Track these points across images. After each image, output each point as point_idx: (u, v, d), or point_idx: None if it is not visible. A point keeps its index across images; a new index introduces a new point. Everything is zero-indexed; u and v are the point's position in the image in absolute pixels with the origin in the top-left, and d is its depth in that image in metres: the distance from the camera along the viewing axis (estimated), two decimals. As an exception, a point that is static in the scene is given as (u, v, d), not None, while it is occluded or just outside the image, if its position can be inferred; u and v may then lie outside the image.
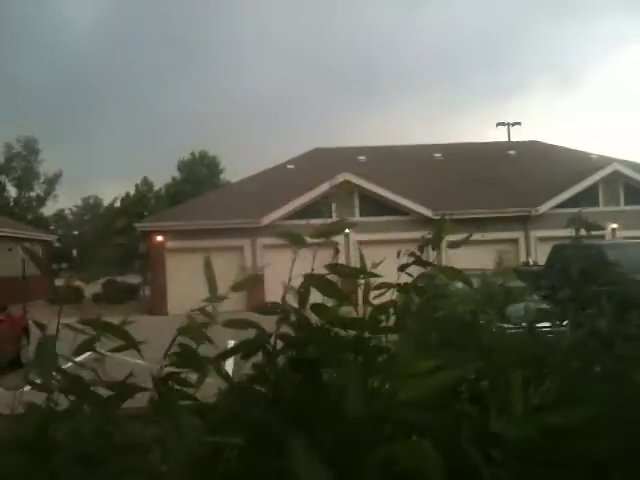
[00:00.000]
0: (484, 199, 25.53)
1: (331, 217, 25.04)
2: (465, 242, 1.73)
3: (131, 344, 1.38)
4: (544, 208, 25.52)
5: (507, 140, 37.06)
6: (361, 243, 24.93)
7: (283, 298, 1.55)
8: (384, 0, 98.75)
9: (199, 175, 63.66)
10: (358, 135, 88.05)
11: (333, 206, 25.23)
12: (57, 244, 41.80)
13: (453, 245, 1.66)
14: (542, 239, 24.18)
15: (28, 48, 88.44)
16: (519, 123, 39.42)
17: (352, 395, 0.96)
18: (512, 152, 31.73)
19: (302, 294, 1.49)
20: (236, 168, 52.01)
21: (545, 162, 28.91)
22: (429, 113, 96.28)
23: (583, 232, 10.53)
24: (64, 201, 69.40)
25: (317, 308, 1.49)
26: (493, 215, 24.68)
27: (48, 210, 64.19)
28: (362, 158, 30.05)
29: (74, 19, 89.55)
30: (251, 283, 1.69)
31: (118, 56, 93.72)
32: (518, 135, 38.44)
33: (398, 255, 1.70)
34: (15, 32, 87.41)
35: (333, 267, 1.54)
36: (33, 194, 62.25)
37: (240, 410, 1.31)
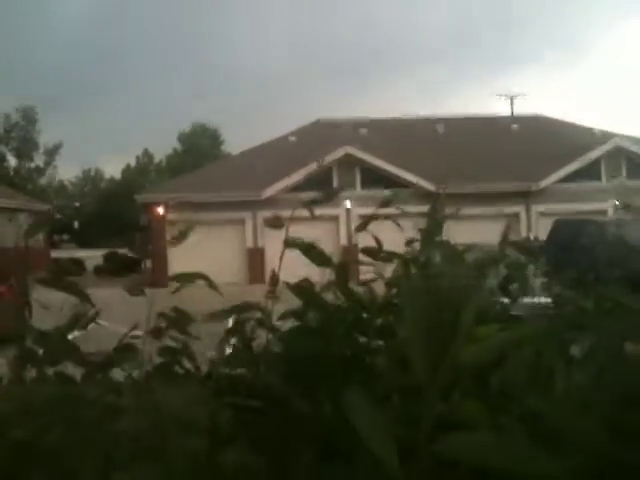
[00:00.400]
0: (486, 173, 25.45)
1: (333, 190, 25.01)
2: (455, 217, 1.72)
3: (88, 301, 1.39)
4: (546, 183, 25.44)
5: (510, 114, 36.79)
6: (362, 217, 24.98)
7: (272, 273, 1.55)
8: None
9: (200, 147, 63.43)
10: (360, 107, 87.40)
11: (334, 179, 25.15)
12: (58, 215, 41.75)
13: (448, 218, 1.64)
14: (544, 214, 24.15)
15: (29, 20, 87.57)
16: (522, 95, 39.17)
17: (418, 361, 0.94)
18: (515, 126, 31.53)
19: (339, 268, 1.46)
20: (237, 140, 51.63)
21: (548, 136, 28.74)
22: (432, 84, 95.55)
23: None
24: (64, 172, 69.17)
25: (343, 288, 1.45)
26: (494, 190, 24.62)
27: (48, 180, 64.11)
28: (364, 131, 29.87)
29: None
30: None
31: (119, 29, 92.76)
32: (521, 108, 38.06)
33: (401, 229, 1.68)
34: (17, 5, 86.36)
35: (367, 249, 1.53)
36: (33, 165, 62.12)
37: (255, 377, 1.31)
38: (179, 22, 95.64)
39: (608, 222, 14.80)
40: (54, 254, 37.31)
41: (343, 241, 24.40)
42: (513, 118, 34.22)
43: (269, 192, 24.23)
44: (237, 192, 24.42)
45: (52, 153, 62.27)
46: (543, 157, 26.27)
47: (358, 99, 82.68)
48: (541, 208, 25.08)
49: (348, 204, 24.60)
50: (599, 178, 26.30)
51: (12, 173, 59.06)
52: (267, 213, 24.45)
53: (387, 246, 1.63)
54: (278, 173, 24.57)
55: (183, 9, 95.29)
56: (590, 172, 25.96)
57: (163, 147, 68.37)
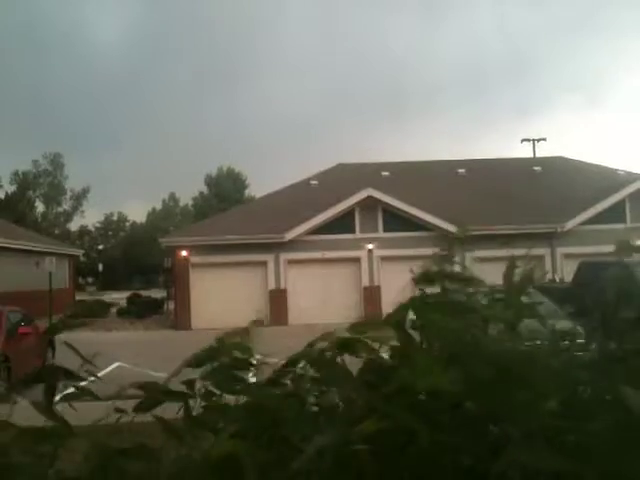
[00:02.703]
0: (509, 215, 25.32)
1: (354, 233, 25.04)
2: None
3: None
4: (570, 224, 25.22)
5: (532, 156, 36.78)
6: (383, 259, 24.94)
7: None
8: (408, 19, 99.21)
9: (225, 190, 64.19)
10: (381, 151, 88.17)
11: (356, 221, 25.21)
12: (83, 258, 42.30)
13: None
14: (568, 256, 23.89)
15: (56, 65, 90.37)
16: (544, 139, 39.11)
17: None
18: (537, 168, 31.47)
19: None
20: (260, 184, 52.24)
21: (571, 178, 28.63)
22: (453, 130, 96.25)
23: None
24: (91, 216, 70.27)
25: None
26: (518, 231, 24.44)
27: (75, 225, 65.23)
28: (385, 174, 30.04)
29: (102, 37, 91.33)
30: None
31: (145, 74, 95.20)
32: (543, 152, 38.00)
33: (412, 272, 1.66)
34: (44, 49, 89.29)
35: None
36: (60, 209, 63.32)
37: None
38: (206, 66, 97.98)
39: (634, 263, 14.57)
40: (79, 296, 37.70)
41: (365, 282, 24.37)
42: (536, 160, 34.19)
43: (291, 234, 24.34)
44: (260, 235, 24.57)
45: (79, 198, 63.50)
46: (567, 199, 26.12)
47: (380, 144, 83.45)
48: (566, 250, 24.82)
49: (370, 246, 24.62)
50: (624, 219, 26.02)
51: (40, 218, 60.23)
52: (289, 255, 24.54)
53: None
54: (300, 216, 24.70)
55: (211, 52, 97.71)
56: (615, 213, 25.70)
57: (190, 191, 69.49)
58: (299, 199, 26.55)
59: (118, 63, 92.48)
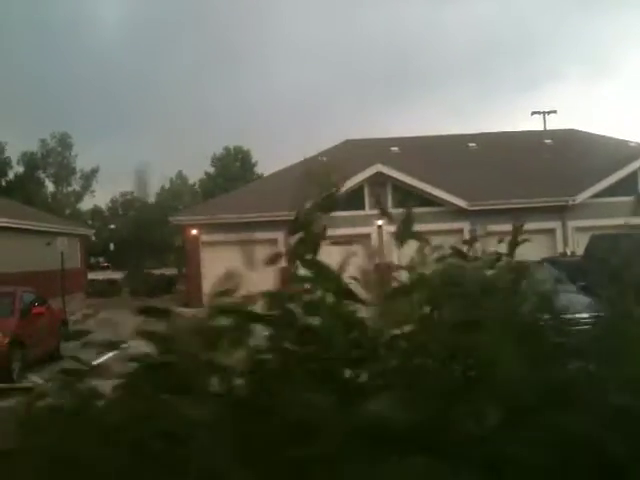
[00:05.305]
0: (520, 189, 25.15)
1: (364, 209, 24.99)
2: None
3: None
4: (582, 197, 25.04)
5: (543, 129, 36.37)
6: (393, 235, 24.87)
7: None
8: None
9: (232, 170, 64.06)
10: (390, 127, 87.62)
11: (366, 197, 25.13)
12: (94, 238, 42.50)
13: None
14: (580, 229, 23.75)
15: (63, 46, 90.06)
16: (555, 111, 38.54)
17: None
18: (548, 141, 31.18)
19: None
20: (269, 162, 52.09)
21: (582, 150, 28.35)
22: (462, 104, 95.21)
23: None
24: (100, 195, 70.42)
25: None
26: (529, 205, 24.28)
27: (85, 205, 65.45)
28: (395, 149, 29.85)
29: (108, 17, 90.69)
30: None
31: (152, 54, 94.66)
32: (554, 124, 37.49)
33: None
34: (49, 30, 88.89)
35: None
36: (70, 189, 63.48)
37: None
38: (210, 46, 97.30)
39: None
40: (91, 276, 37.94)
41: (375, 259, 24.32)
42: (547, 133, 33.84)
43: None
44: (270, 212, 24.57)
45: (89, 178, 63.59)
46: (578, 172, 25.89)
47: (388, 119, 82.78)
48: (577, 223, 24.66)
49: (380, 222, 24.56)
50: (636, 191, 25.78)
51: (50, 198, 60.40)
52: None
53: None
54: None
55: (214, 32, 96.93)
56: (627, 185, 25.48)
57: (196, 171, 69.33)
58: (308, 175, 26.47)
59: (124, 43, 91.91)
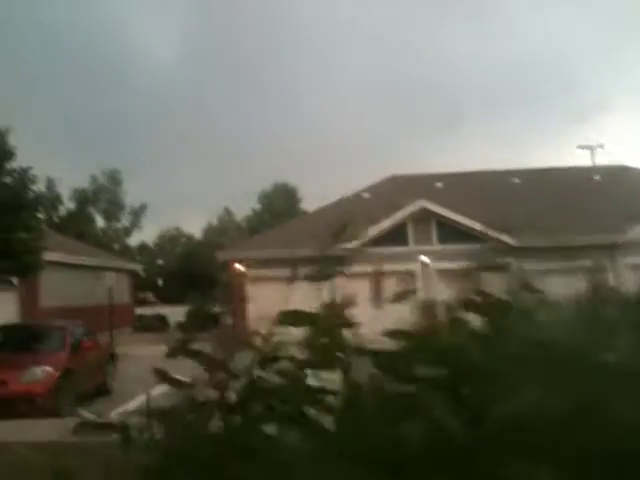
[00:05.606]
0: (568, 226, 24.67)
1: (407, 245, 24.82)
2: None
3: None
4: (633, 234, 24.39)
5: (591, 164, 35.75)
6: (440, 272, 24.60)
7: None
8: (459, 26, 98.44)
9: (278, 206, 64.80)
10: (435, 162, 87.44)
11: (409, 234, 25.00)
12: (142, 274, 43.30)
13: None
14: (631, 266, 23.07)
15: (112, 80, 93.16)
16: (602, 146, 37.90)
17: None
18: (597, 177, 30.60)
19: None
20: (313, 198, 52.49)
21: (633, 186, 27.72)
22: (507, 138, 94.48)
23: None
24: (149, 231, 71.88)
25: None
26: (578, 243, 23.76)
27: (133, 240, 66.94)
28: (439, 185, 29.73)
29: (158, 52, 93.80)
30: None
31: (200, 90, 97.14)
32: (603, 160, 36.82)
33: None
34: (99, 65, 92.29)
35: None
36: (119, 225, 65.08)
37: None
38: (259, 82, 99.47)
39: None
40: (138, 311, 38.55)
41: (420, 295, 23.98)
42: (595, 169, 33.24)
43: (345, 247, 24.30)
44: (313, 248, 24.66)
45: (138, 213, 65.15)
46: (629, 208, 25.26)
47: (433, 155, 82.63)
48: (629, 260, 23.97)
49: (424, 259, 24.32)
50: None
51: (100, 234, 61.96)
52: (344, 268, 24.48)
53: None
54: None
55: (263, 67, 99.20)
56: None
57: (243, 208, 70.43)
58: (352, 211, 26.51)
59: (173, 81, 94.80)
